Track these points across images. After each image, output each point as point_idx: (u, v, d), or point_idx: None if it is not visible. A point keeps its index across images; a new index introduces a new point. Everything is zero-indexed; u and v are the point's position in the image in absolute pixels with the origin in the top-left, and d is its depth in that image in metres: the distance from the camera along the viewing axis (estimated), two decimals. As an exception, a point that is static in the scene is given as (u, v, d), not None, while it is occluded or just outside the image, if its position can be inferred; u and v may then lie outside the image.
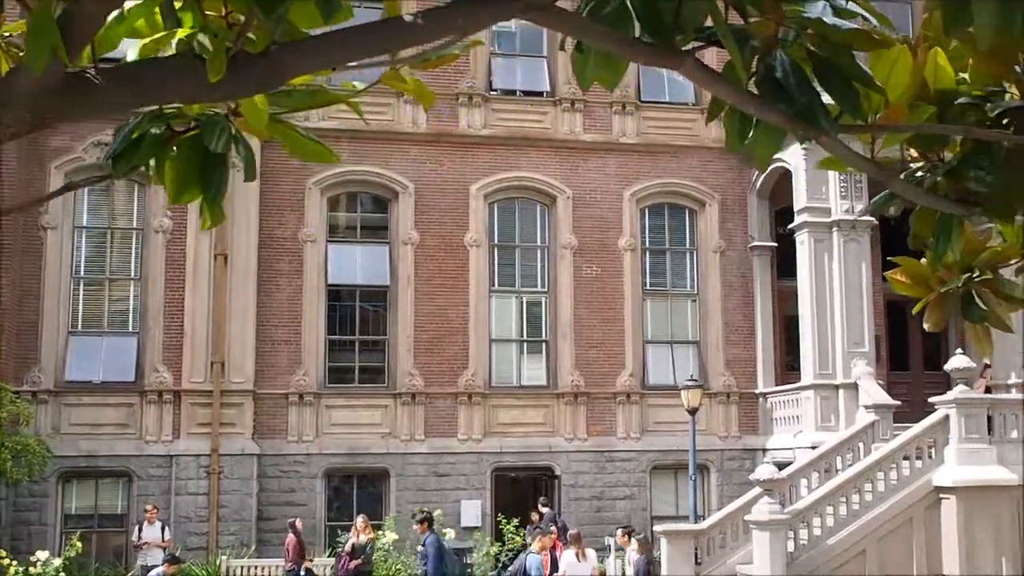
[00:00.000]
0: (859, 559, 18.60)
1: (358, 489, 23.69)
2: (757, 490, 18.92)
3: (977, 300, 3.94)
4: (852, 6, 2.84)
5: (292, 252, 23.80)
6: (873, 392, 21.88)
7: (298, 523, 20.09)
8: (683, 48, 2.70)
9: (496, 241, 25.01)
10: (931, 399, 19.88)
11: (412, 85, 3.06)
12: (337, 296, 24.37)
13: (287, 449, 23.17)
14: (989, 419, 19.84)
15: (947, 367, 19.62)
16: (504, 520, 22.52)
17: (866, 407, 21.57)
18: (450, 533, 21.58)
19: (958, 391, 19.18)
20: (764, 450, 24.56)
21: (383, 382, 24.17)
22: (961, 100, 3.15)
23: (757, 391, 25.22)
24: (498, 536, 22.71)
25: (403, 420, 23.76)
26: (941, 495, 18.78)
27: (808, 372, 22.99)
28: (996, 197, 3.17)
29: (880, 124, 3.00)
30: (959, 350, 20.02)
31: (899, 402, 21.81)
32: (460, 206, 24.55)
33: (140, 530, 20.45)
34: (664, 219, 25.97)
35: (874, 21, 2.94)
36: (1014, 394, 22.83)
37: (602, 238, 25.09)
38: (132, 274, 23.56)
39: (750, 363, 25.40)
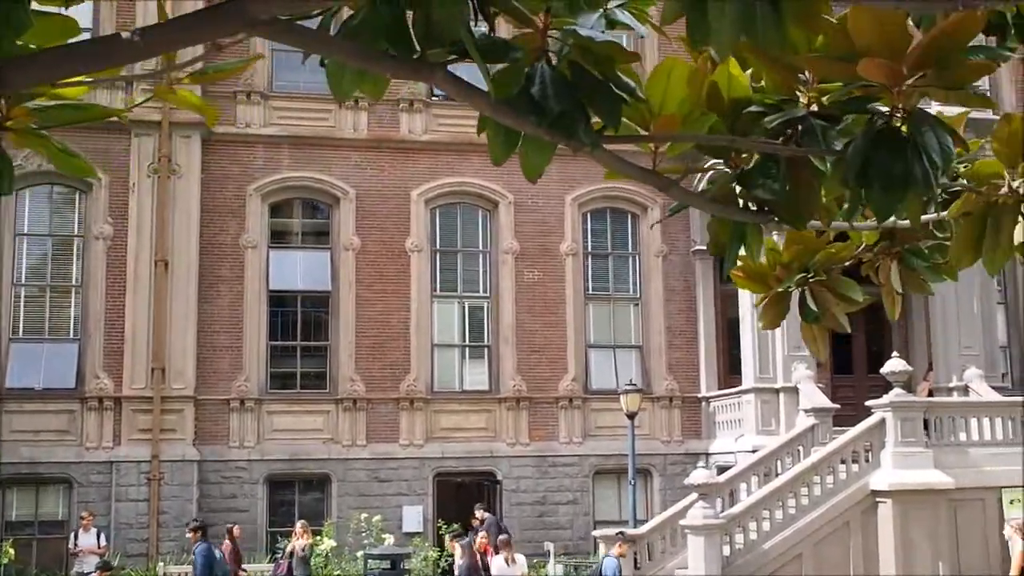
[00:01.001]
0: (795, 563, 18.72)
1: (300, 495, 23.60)
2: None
3: (809, 301, 3.96)
4: (626, 17, 2.86)
5: (233, 258, 23.68)
6: (813, 396, 22.05)
7: (235, 530, 19.97)
8: (442, 60, 2.71)
9: (438, 246, 25.00)
10: (867, 403, 20.04)
11: (188, 99, 3.05)
12: (279, 302, 24.26)
13: (229, 455, 23.04)
14: (926, 423, 20.06)
15: (883, 370, 19.78)
16: (443, 526, 22.49)
17: (805, 411, 21.72)
18: (389, 539, 21.52)
19: (894, 394, 19.34)
20: (707, 454, 24.66)
21: (325, 387, 24.08)
22: (751, 109, 3.17)
23: (700, 395, 25.33)
24: (438, 542, 22.67)
25: (345, 425, 23.69)
26: (877, 499, 18.95)
27: (749, 376, 23.13)
28: (787, 204, 3.20)
29: (648, 135, 3.02)
30: (895, 353, 20.19)
31: (838, 405, 21.98)
32: (402, 212, 24.52)
33: (76, 537, 20.30)
34: (606, 224, 26.04)
35: (642, 31, 2.96)
36: (955, 397, 23.05)
37: (544, 243, 25.13)
38: (73, 281, 23.37)
39: (693, 367, 25.50)
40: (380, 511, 22.80)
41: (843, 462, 19.23)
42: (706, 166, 3.44)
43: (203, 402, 23.01)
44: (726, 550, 18.02)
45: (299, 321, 24.34)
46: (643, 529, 19.77)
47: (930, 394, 23.84)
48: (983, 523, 19.07)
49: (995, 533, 19.03)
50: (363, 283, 24.16)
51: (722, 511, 18.70)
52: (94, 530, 20.44)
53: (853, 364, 26.63)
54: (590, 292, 25.62)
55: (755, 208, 3.34)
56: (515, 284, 24.92)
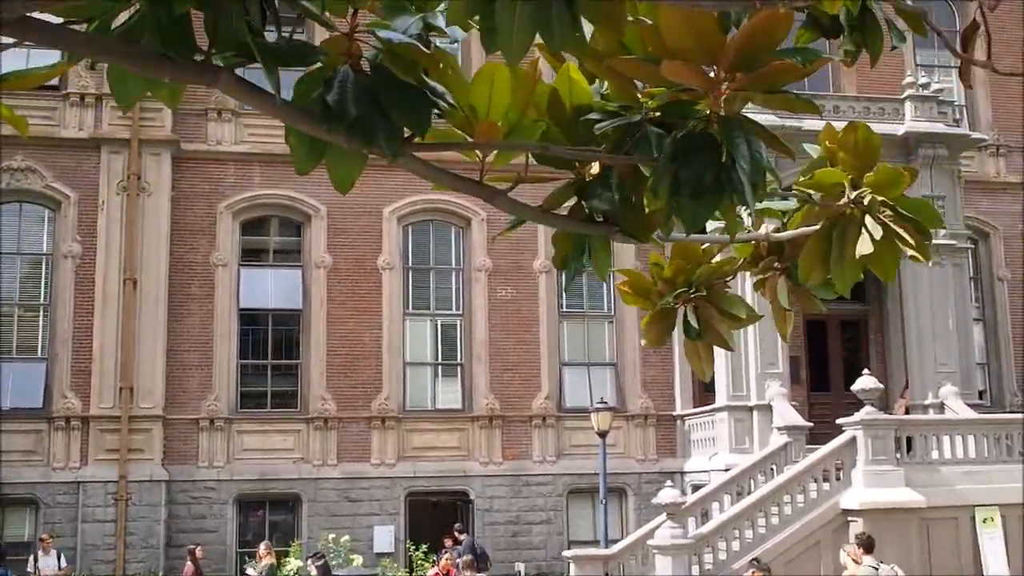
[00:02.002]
0: (766, 582, 18.51)
1: (270, 515, 23.38)
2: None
3: (690, 317, 3.79)
4: (441, 21, 2.72)
5: (203, 276, 23.50)
6: (786, 413, 21.88)
7: (198, 551, 19.73)
8: (230, 63, 2.56)
9: (410, 264, 24.85)
10: (839, 420, 19.88)
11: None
12: (249, 320, 24.09)
13: (198, 475, 22.82)
14: (909, 440, 19.87)
15: (854, 388, 19.62)
16: (413, 546, 22.26)
17: (779, 429, 21.55)
18: (358, 560, 21.29)
19: (864, 412, 19.17)
20: (682, 473, 24.49)
21: (295, 406, 23.89)
22: (590, 117, 3.02)
23: (675, 413, 25.16)
24: (408, 563, 22.44)
25: (315, 445, 23.48)
26: (848, 517, 18.74)
27: (722, 394, 22.97)
28: (627, 216, 3.06)
29: (469, 143, 2.88)
30: (866, 371, 20.05)
31: (811, 423, 21.83)
32: (374, 229, 24.37)
33: (36, 560, 20.04)
34: (583, 239, 25.82)
35: (460, 35, 2.82)
36: (931, 414, 22.90)
37: (518, 260, 24.98)
38: (41, 300, 23.19)
39: (668, 385, 25.34)
40: (351, 531, 22.58)
41: (814, 480, 19.05)
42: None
43: (172, 421, 22.80)
44: (695, 570, 17.81)
45: (270, 339, 24.16)
46: (614, 549, 19.58)
47: (907, 412, 23.71)
48: (956, 542, 18.88)
49: (968, 552, 18.86)
50: (335, 301, 24.00)
51: (695, 531, 18.52)
52: (54, 552, 20.19)
53: (830, 382, 26.48)
54: (564, 310, 25.48)
55: (600, 220, 3.20)
56: (488, 302, 24.78)
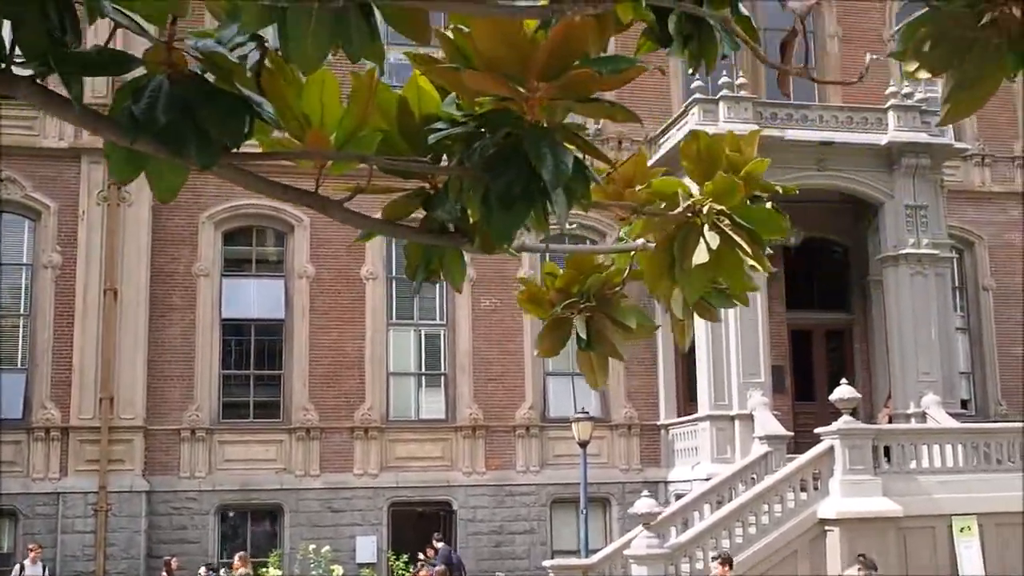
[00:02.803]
0: (744, 592, 18.46)
1: (252, 525, 23.34)
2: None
3: (579, 327, 3.75)
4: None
5: (185, 286, 23.49)
6: (767, 423, 21.82)
7: (173, 562, 19.70)
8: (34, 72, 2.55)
9: (394, 274, 24.82)
10: (817, 430, 19.83)
11: None
12: (232, 330, 24.07)
13: (179, 485, 22.78)
14: (887, 449, 19.82)
15: (832, 397, 19.57)
16: (393, 557, 22.21)
17: (759, 438, 21.50)
18: (339, 570, 21.24)
19: (842, 421, 19.12)
20: (666, 482, 24.44)
21: (278, 417, 23.86)
22: (435, 126, 3.00)
23: (659, 423, 25.11)
24: (390, 573, 22.39)
25: (298, 455, 23.45)
26: (826, 527, 18.69)
27: (704, 403, 22.91)
28: (475, 227, 3.04)
29: (299, 152, 2.86)
30: (843, 380, 20.00)
31: (791, 433, 21.80)
32: (356, 239, 24.32)
33: (22, 569, 20.02)
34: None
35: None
36: (913, 423, 22.83)
37: (501, 270, 24.95)
38: (21, 310, 23.18)
39: (652, 394, 25.29)
40: (333, 542, 22.53)
41: (792, 490, 19.00)
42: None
43: (153, 432, 22.78)
44: (672, 580, 17.76)
45: (252, 350, 24.15)
46: (593, 559, 19.53)
47: (891, 421, 23.66)
48: (933, 551, 18.81)
49: (946, 561, 18.80)
50: (317, 311, 23.98)
51: (673, 540, 18.46)
52: (40, 563, 20.17)
53: (815, 391, 26.43)
54: (548, 319, 25.37)
55: (452, 231, 3.18)
56: (472, 312, 24.75)
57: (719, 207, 3.05)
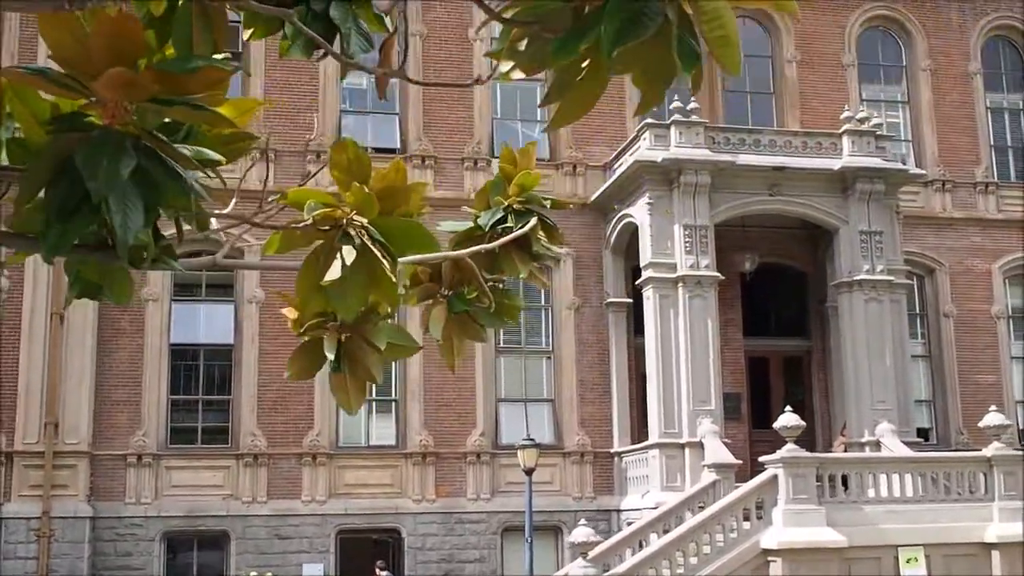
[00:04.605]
0: (685, 623, 18.20)
1: (198, 552, 23.04)
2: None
3: (327, 349, 3.53)
4: None
5: (133, 311, 23.26)
6: (716, 451, 21.58)
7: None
8: None
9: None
10: (761, 458, 19.62)
11: None
12: (180, 355, 23.84)
13: (125, 511, 22.50)
14: (833, 478, 19.59)
15: (776, 425, 19.37)
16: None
17: (708, 466, 21.26)
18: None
19: (785, 450, 18.91)
20: (618, 511, 24.18)
21: (226, 442, 23.60)
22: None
23: (612, 450, 24.86)
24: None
25: (245, 481, 23.17)
26: (768, 557, 18.47)
27: (654, 431, 22.68)
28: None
29: None
30: (788, 408, 19.79)
31: (740, 461, 21.55)
32: (306, 263, 24.14)
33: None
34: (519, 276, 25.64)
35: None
36: (867, 452, 22.62)
37: (455, 295, 24.72)
38: (-33, 334, 22.95)
39: (606, 421, 25.04)
40: (280, 569, 22.25)
41: (735, 519, 18.76)
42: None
43: (99, 457, 22.52)
44: (611, 610, 17.51)
45: (201, 375, 23.91)
46: (537, 588, 19.28)
47: (846, 449, 23.46)
48: (878, 582, 18.59)
49: (891, 592, 18.57)
50: (266, 336, 23.73)
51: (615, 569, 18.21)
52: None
53: (772, 418, 26.13)
54: (501, 346, 25.24)
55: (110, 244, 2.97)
56: (423, 337, 24.45)
57: (361, 220, 2.89)
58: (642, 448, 23.35)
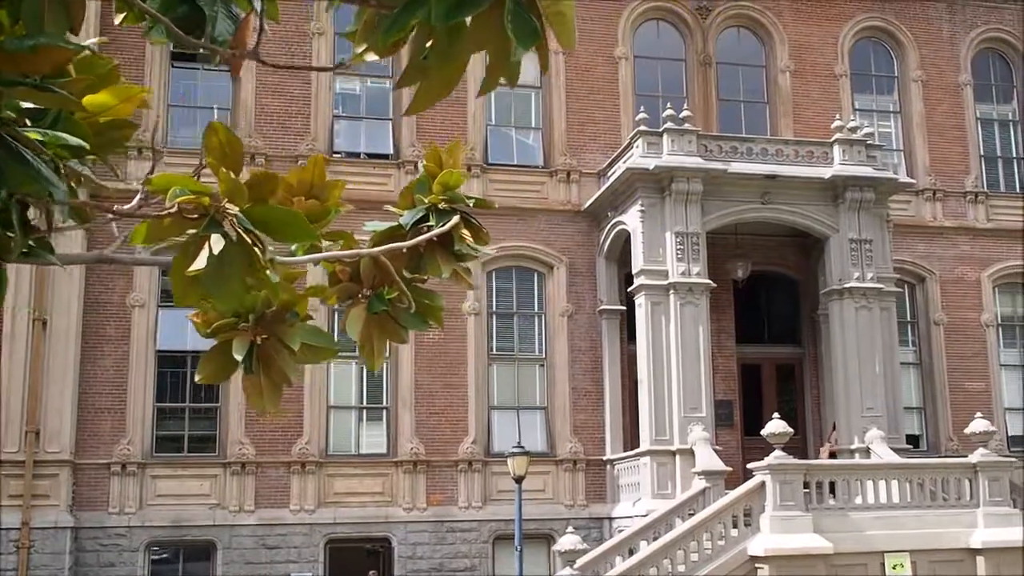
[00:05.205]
0: (675, 631, 18.06)
1: (184, 562, 22.83)
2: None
3: (237, 351, 3.36)
4: None
5: (119, 317, 23.11)
6: (707, 458, 21.45)
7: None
8: None
9: (336, 305, 24.40)
10: (749, 465, 19.50)
11: None
12: (167, 362, 23.66)
13: (108, 521, 22.28)
14: (821, 484, 19.54)
15: (763, 432, 19.26)
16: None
17: (698, 474, 21.14)
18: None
19: (773, 457, 18.81)
20: (610, 519, 24.03)
21: (213, 451, 23.41)
22: None
23: (605, 458, 24.72)
24: (321, 611, 21.93)
25: (232, 490, 22.98)
26: (756, 564, 18.37)
27: (645, 438, 22.55)
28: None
29: None
30: (775, 415, 19.69)
31: (730, 468, 21.43)
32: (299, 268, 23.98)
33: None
34: (512, 282, 25.61)
35: None
36: (857, 459, 22.51)
37: (446, 302, 24.54)
38: (-50, 340, 22.74)
39: (599, 429, 24.92)
40: (267, 579, 22.06)
41: (723, 526, 18.63)
42: None
43: (82, 466, 22.32)
44: (599, 618, 17.36)
45: (188, 382, 23.71)
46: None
47: (832, 455, 23.39)
48: (867, 589, 18.48)
49: (881, 600, 18.45)
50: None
51: (604, 578, 18.08)
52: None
53: (765, 425, 26.03)
54: (494, 352, 25.13)
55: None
56: (415, 344, 24.40)
57: (233, 209, 2.69)
58: (634, 455, 23.21)
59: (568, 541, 17.42)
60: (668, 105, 24.25)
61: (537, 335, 25.57)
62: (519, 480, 20.87)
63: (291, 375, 3.33)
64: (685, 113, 23.85)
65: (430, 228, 3.24)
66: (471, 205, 3.29)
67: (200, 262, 2.51)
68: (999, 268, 28.05)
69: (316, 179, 2.95)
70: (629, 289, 23.68)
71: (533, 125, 26.64)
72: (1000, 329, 28.10)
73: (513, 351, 25.42)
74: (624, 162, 24.16)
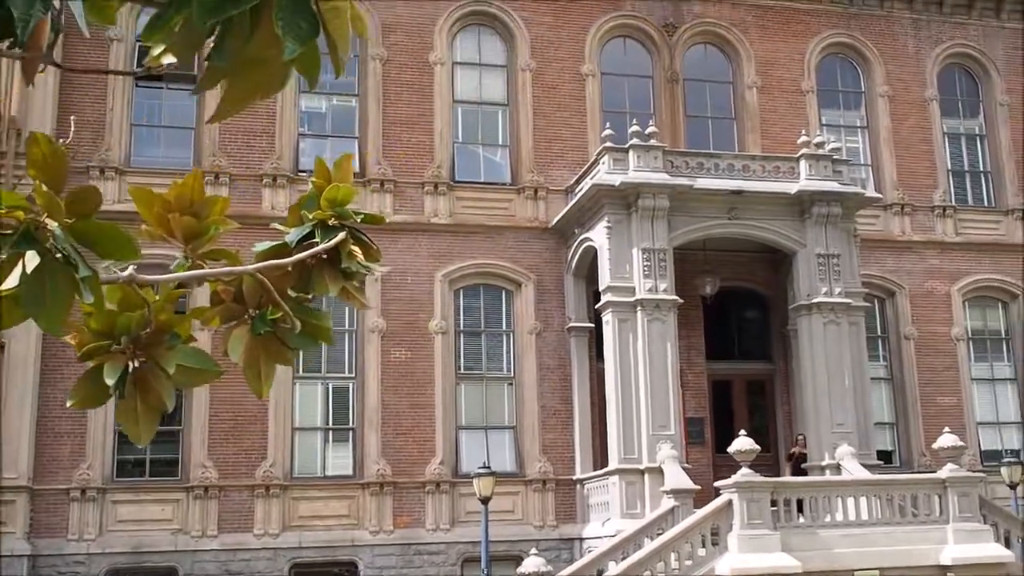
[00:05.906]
0: (641, 654, 17.79)
1: (146, 589, 22.39)
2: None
3: (109, 375, 3.09)
4: None
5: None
6: (675, 477, 21.22)
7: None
8: None
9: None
10: (716, 483, 19.29)
11: None
12: (129, 385, 23.23)
13: (67, 548, 21.84)
14: (788, 502, 19.33)
15: (730, 449, 19.06)
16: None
17: (667, 492, 20.89)
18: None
19: (740, 475, 18.59)
20: (580, 539, 23.75)
21: (176, 475, 23.01)
22: None
23: (575, 477, 24.45)
24: (285, 637, 21.54)
25: (195, 515, 22.59)
26: (726, 583, 18.11)
27: (614, 457, 22.30)
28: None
29: None
30: (742, 432, 19.49)
31: (698, 487, 21.15)
32: (258, 290, 23.70)
33: None
34: (479, 300, 25.38)
35: None
36: (827, 475, 22.33)
37: (412, 321, 24.39)
38: (-92, 364, 22.32)
39: (568, 448, 24.66)
40: (231, 605, 21.66)
41: (690, 545, 18.39)
42: None
43: (40, 492, 21.90)
44: (565, 641, 17.07)
45: (150, 405, 23.28)
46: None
47: (798, 459, 23.32)
48: (837, 607, 18.25)
49: (852, 618, 18.23)
50: (218, 363, 23.17)
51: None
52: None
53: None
54: (462, 371, 24.86)
55: None
56: (381, 364, 24.11)
57: (52, 224, 2.45)
58: (602, 475, 22.96)
59: (532, 564, 17.14)
60: (634, 121, 24.12)
61: (505, 353, 25.32)
62: (485, 501, 20.58)
63: (167, 400, 3.07)
64: (651, 129, 23.73)
65: (314, 245, 3.04)
66: (360, 220, 3.09)
67: (12, 280, 2.26)
68: (969, 282, 28.03)
69: (195, 195, 2.73)
70: (596, 306, 23.49)
71: (500, 142, 26.48)
72: (971, 343, 28.05)
73: (481, 370, 25.15)
74: (591, 179, 24.00)
